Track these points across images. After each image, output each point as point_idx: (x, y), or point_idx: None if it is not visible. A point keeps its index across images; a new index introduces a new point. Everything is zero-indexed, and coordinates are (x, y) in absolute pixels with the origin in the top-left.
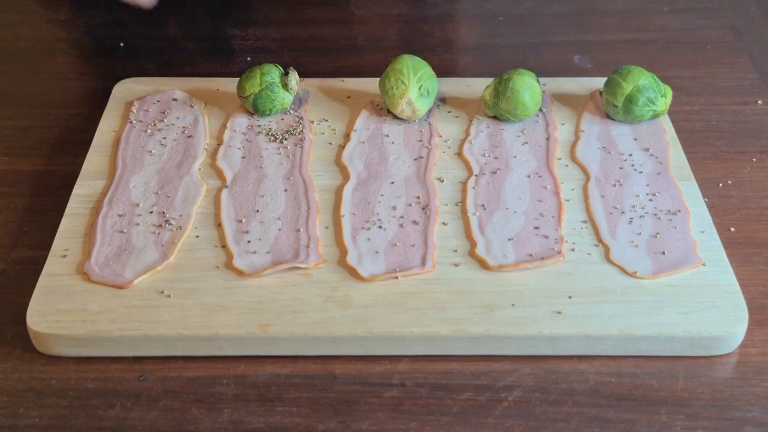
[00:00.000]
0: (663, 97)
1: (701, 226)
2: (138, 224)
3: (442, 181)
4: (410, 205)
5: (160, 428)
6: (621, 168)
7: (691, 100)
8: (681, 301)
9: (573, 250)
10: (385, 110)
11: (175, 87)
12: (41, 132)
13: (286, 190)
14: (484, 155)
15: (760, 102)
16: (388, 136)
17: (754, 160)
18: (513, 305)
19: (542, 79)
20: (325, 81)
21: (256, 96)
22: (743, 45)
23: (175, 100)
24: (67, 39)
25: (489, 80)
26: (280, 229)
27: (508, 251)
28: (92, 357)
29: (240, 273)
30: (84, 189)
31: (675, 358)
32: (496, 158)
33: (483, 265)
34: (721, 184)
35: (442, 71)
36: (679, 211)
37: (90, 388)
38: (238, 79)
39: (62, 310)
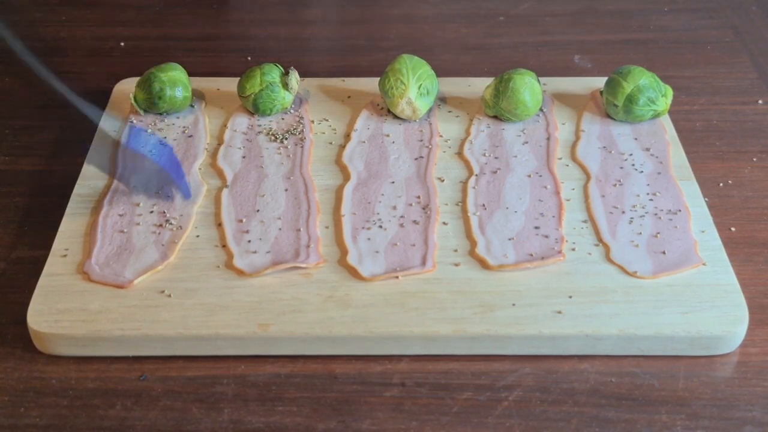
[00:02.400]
0: (663, 97)
1: (701, 226)
2: (138, 224)
3: (443, 180)
4: (410, 204)
5: (160, 428)
6: (621, 168)
7: (691, 99)
8: (681, 300)
9: (573, 249)
10: (385, 110)
11: None
12: (41, 132)
13: (286, 190)
14: (484, 155)
15: (760, 102)
16: (388, 135)
17: (754, 159)
18: (513, 305)
19: (542, 79)
20: (326, 81)
21: (257, 96)
22: (743, 45)
23: None
24: (67, 39)
25: (489, 80)
26: (280, 229)
27: (509, 251)
28: (92, 357)
29: (240, 273)
30: (84, 189)
31: (675, 358)
32: (496, 158)
33: (483, 264)
34: (721, 184)
35: (442, 71)
36: (680, 210)
37: (90, 388)
38: (238, 79)
39: (62, 309)
